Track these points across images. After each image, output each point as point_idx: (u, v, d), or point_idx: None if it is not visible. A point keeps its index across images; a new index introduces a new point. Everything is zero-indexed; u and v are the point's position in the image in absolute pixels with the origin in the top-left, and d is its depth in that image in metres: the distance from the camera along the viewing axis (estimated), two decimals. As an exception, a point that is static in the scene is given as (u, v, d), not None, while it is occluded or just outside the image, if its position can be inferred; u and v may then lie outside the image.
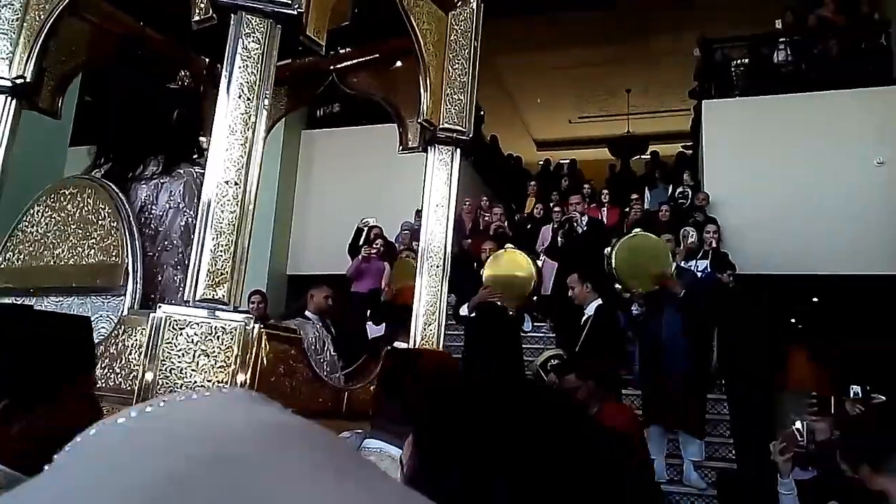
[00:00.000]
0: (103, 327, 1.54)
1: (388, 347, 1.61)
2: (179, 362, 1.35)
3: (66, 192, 1.72)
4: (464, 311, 5.72)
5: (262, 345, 1.45)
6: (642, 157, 12.87)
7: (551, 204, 9.63)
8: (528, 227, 9.10)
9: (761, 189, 8.67)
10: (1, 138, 1.87)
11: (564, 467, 0.56)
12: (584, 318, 5.64)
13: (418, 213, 9.07)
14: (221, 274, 1.38)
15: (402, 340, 3.86)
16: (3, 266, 1.73)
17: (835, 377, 7.68)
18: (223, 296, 1.38)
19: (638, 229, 7.23)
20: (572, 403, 0.65)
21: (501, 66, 11.39)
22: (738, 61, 9.92)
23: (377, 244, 7.57)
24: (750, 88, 9.59)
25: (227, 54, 1.48)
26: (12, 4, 1.86)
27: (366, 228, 7.76)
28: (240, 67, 1.45)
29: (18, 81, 1.85)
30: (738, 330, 6.64)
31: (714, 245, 7.16)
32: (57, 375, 1.10)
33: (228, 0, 1.48)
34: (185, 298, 1.40)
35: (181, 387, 1.35)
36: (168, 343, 1.35)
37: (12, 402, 1.02)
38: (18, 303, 1.34)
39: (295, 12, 1.51)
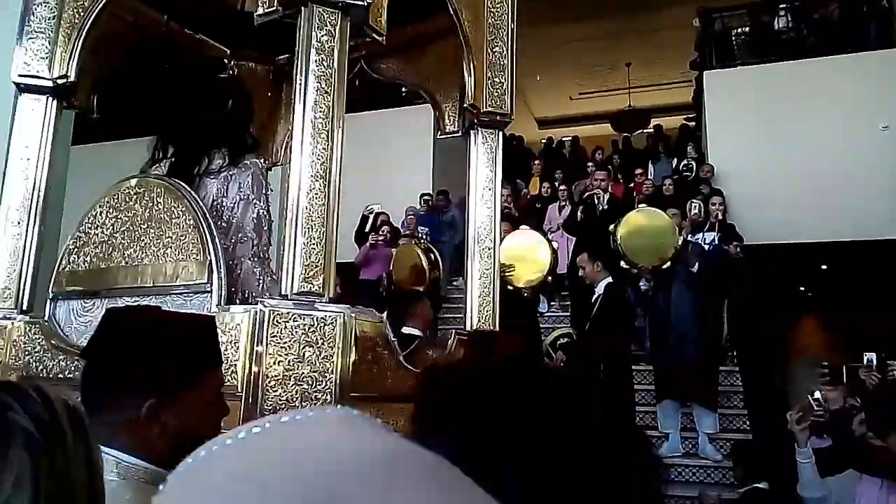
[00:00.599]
0: None
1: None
2: (287, 355, 1.38)
3: (132, 192, 1.71)
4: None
5: (357, 334, 1.48)
6: (644, 131, 12.80)
7: (556, 182, 9.59)
8: (538, 206, 9.05)
9: (766, 158, 8.63)
10: (45, 138, 1.88)
11: (569, 458, 0.56)
12: (594, 296, 5.64)
13: (422, 197, 9.13)
14: (315, 266, 1.42)
15: (411, 326, 3.90)
16: (68, 269, 1.75)
17: (846, 345, 7.71)
18: (318, 288, 1.42)
19: (643, 205, 7.22)
20: (579, 390, 0.65)
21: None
22: (739, 30, 9.83)
23: (383, 231, 7.59)
24: (751, 57, 9.53)
25: (299, 49, 1.49)
26: (48, 3, 1.86)
27: (371, 215, 7.77)
28: (315, 62, 1.46)
29: (61, 81, 1.86)
30: (747, 301, 6.66)
31: (720, 217, 7.13)
32: (192, 373, 1.13)
33: None
34: (281, 292, 1.43)
35: (290, 378, 1.38)
36: (273, 337, 1.38)
37: (157, 400, 1.05)
38: (144, 304, 1.34)
39: (364, 3, 1.53)
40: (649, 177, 9.30)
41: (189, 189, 1.70)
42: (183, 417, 1.08)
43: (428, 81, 2.42)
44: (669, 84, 13.15)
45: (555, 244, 6.76)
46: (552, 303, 8.13)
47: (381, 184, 8.77)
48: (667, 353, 6.05)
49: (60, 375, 1.67)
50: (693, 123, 10.99)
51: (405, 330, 3.77)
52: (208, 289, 1.54)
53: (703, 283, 6.10)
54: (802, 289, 10.15)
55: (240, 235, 1.74)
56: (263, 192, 1.85)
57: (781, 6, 9.56)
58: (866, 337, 7.40)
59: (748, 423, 6.22)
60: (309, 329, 1.40)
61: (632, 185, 9.50)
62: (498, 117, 2.16)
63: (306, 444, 0.31)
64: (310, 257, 1.43)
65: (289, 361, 1.38)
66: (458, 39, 2.07)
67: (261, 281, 1.77)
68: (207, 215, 1.63)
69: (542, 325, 6.80)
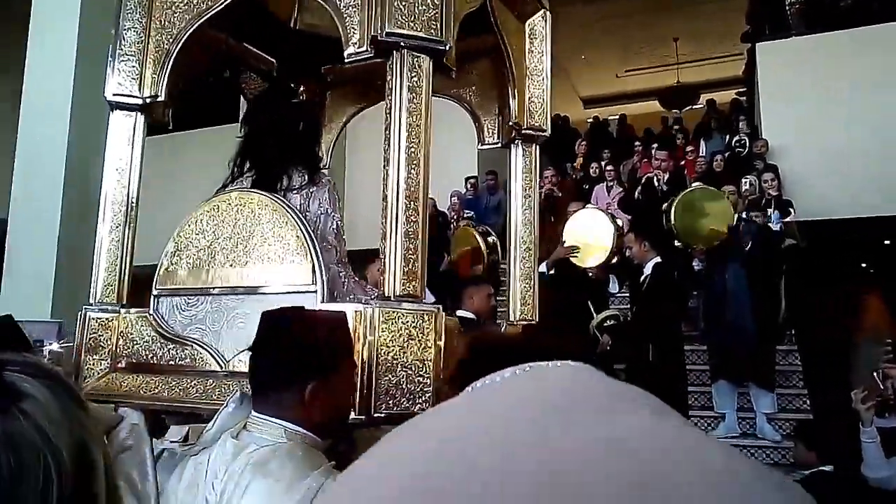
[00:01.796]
0: None
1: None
2: (394, 345, 1.65)
3: (233, 203, 1.92)
4: (542, 268, 5.71)
5: (445, 326, 1.75)
6: (694, 107, 12.51)
7: (603, 163, 9.46)
8: (585, 186, 8.95)
9: (823, 131, 8.36)
10: (134, 150, 2.11)
11: None
12: (642, 276, 5.58)
13: (468, 180, 9.14)
14: (413, 273, 1.67)
15: (465, 309, 3.95)
16: (170, 269, 1.97)
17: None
18: (416, 290, 1.68)
19: (697, 183, 7.09)
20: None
21: (543, 25, 11.13)
22: (793, -1, 9.46)
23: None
24: (807, 27, 9.17)
25: (392, 86, 1.71)
26: (135, 28, 2.07)
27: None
28: (408, 99, 1.69)
29: (150, 100, 2.08)
30: (806, 278, 6.50)
31: (775, 193, 6.94)
32: (338, 359, 1.41)
33: (392, 40, 1.69)
34: (385, 293, 1.68)
35: (397, 364, 1.65)
36: (383, 330, 1.64)
37: (316, 383, 1.31)
38: (291, 305, 1.58)
39: (446, 48, 1.74)
40: (702, 154, 9.08)
41: (283, 201, 1.92)
42: (333, 396, 1.35)
43: (468, 97, 2.63)
44: (720, 58, 12.81)
45: (619, 221, 6.67)
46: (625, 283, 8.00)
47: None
48: (722, 332, 5.97)
49: (168, 363, 1.91)
50: (745, 98, 10.67)
51: (459, 313, 3.80)
52: (313, 289, 1.76)
53: (758, 262, 5.98)
54: (864, 265, 9.82)
55: (324, 244, 1.94)
56: (339, 205, 2.12)
57: (839, -29, 9.18)
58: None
59: (808, 402, 6.08)
60: (411, 324, 1.66)
61: (683, 162, 9.30)
62: (537, 133, 2.42)
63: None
64: (408, 265, 1.67)
65: (396, 350, 1.64)
66: (496, 58, 2.30)
67: (345, 283, 2.00)
68: (308, 225, 1.86)
69: (612, 307, 6.69)
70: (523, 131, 2.38)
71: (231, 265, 1.88)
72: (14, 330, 1.76)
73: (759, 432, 5.83)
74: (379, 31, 1.69)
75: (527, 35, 2.38)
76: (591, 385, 0.48)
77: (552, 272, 5.55)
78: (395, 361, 1.64)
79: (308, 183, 2.07)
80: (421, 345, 1.66)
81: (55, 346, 5.41)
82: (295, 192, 2.05)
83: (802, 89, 8.69)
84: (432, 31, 1.71)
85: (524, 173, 2.44)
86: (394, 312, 1.65)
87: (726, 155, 8.61)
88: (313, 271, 1.77)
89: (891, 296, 9.26)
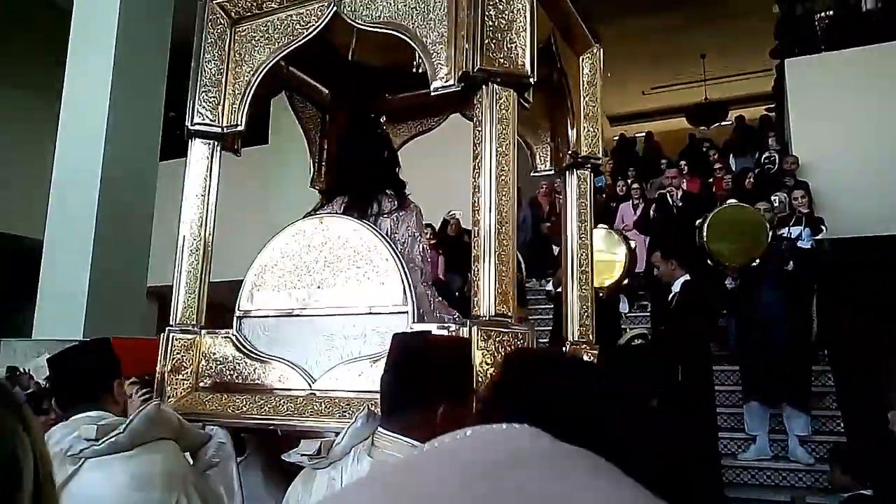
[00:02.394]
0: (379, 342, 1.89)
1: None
2: (492, 361, 1.70)
3: (320, 227, 2.03)
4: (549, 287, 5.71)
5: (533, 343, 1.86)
6: (722, 124, 12.41)
7: (629, 181, 9.42)
8: (613, 204, 8.92)
9: (855, 147, 8.28)
10: (211, 177, 2.23)
11: (630, 458, 0.59)
12: (671, 294, 5.52)
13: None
14: (505, 294, 1.74)
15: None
16: (252, 291, 2.08)
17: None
18: (508, 311, 1.75)
19: (732, 200, 7.00)
20: (642, 391, 0.70)
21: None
22: (823, 13, 9.38)
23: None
24: (837, 41, 9.07)
25: (482, 117, 1.81)
26: (215, 62, 2.20)
27: (452, 220, 7.98)
28: (497, 129, 1.79)
29: (229, 130, 2.21)
30: (839, 297, 6.37)
31: (806, 211, 6.83)
32: (468, 383, 1.51)
33: (483, 76, 1.80)
34: (480, 313, 1.75)
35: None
36: (481, 347, 1.70)
37: (450, 405, 1.37)
38: (420, 329, 1.74)
39: (532, 82, 1.86)
40: (732, 170, 9.00)
41: (374, 226, 2.04)
42: (462, 418, 1.37)
43: (522, 125, 2.78)
44: (748, 74, 12.71)
45: (632, 243, 6.63)
46: (635, 304, 7.96)
47: (451, 185, 8.84)
48: (754, 352, 5.85)
49: (253, 382, 2.00)
50: (773, 114, 10.55)
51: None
52: (405, 310, 1.85)
53: (791, 280, 5.88)
54: (900, 283, 9.59)
55: (411, 266, 2.02)
56: (424, 230, 2.24)
57: (868, -14, 9.09)
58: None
59: (842, 424, 5.93)
60: (506, 342, 1.72)
61: (711, 179, 9.22)
62: (591, 160, 2.55)
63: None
64: (501, 286, 1.74)
65: (494, 366, 1.69)
66: (550, 89, 2.43)
67: (431, 302, 2.10)
68: (397, 249, 1.97)
69: (623, 327, 6.65)
70: (579, 160, 2.51)
71: (319, 287, 1.96)
72: (107, 350, 1.94)
73: (791, 455, 5.71)
74: (470, 68, 1.80)
75: (581, 69, 2.52)
76: (534, 446, 0.49)
77: (560, 290, 5.52)
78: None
79: (397, 208, 2.20)
80: None
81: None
82: (385, 216, 2.18)
83: (833, 105, 8.61)
84: (520, 66, 1.81)
85: (579, 199, 2.56)
86: (490, 332, 1.71)
87: (756, 171, 8.51)
88: (404, 292, 1.86)
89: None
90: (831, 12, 9.41)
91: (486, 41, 1.78)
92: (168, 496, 1.60)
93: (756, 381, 5.86)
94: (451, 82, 1.86)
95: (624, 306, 7.48)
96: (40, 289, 6.77)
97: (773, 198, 7.04)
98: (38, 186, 7.44)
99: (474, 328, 1.69)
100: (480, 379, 1.65)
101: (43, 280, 6.77)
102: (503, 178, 1.77)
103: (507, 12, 1.81)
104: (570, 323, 2.47)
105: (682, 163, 9.82)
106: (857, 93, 8.49)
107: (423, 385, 1.39)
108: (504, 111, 1.80)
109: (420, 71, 2.53)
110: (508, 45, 1.80)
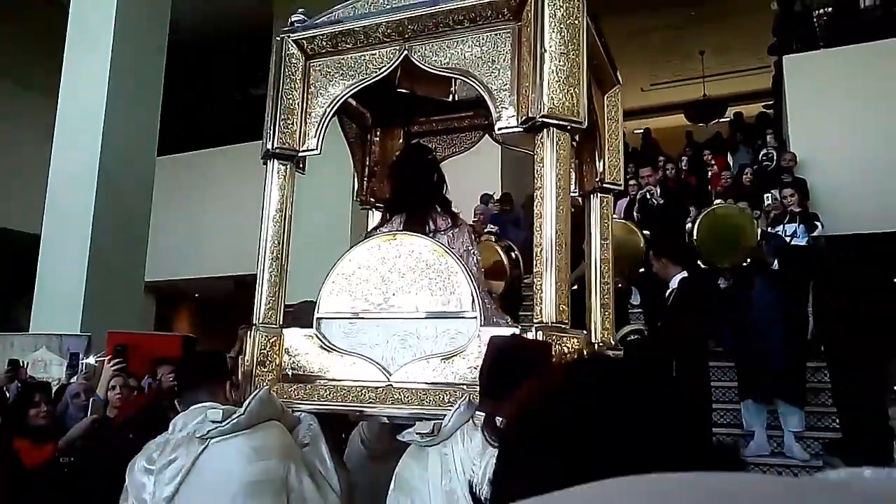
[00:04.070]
0: (462, 343, 2.18)
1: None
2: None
3: (392, 242, 2.33)
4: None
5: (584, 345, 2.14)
6: (721, 120, 12.43)
7: (627, 177, 9.43)
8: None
9: (852, 144, 8.37)
10: (287, 194, 2.50)
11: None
12: (668, 291, 5.53)
13: (483, 196, 9.21)
14: (562, 302, 2.04)
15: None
16: (332, 296, 2.36)
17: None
18: (565, 317, 2.05)
19: (719, 201, 7.05)
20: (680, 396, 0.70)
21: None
22: (821, 10, 9.43)
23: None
24: (835, 39, 9.12)
25: (543, 157, 2.09)
26: (292, 95, 2.49)
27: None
28: (556, 168, 2.08)
29: (306, 154, 2.51)
30: (835, 293, 6.40)
31: (798, 209, 6.86)
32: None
33: (544, 121, 2.07)
34: (542, 319, 2.03)
35: None
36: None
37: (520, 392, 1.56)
38: (514, 332, 1.99)
39: (583, 125, 2.13)
40: (731, 169, 9.03)
41: (435, 240, 2.35)
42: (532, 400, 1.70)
43: None
44: (746, 71, 12.77)
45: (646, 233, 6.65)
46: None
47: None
48: (750, 349, 5.88)
49: (334, 373, 2.29)
50: (772, 111, 10.57)
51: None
52: (474, 315, 2.15)
53: (785, 277, 5.90)
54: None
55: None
56: (477, 244, 2.58)
57: (867, -17, 9.11)
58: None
59: (837, 421, 5.96)
60: (565, 345, 2.00)
61: (709, 176, 9.24)
62: (614, 187, 2.88)
63: None
64: (559, 296, 2.03)
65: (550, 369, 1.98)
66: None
67: (489, 308, 2.38)
68: (462, 261, 2.28)
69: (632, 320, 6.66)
70: (604, 185, 2.85)
71: (394, 294, 2.26)
72: (222, 358, 2.37)
73: (787, 451, 5.75)
74: (536, 114, 2.08)
75: (605, 106, 2.86)
76: None
77: (576, 287, 5.53)
78: None
79: (451, 226, 2.54)
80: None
81: (91, 360, 5.52)
82: (441, 233, 2.49)
83: (831, 102, 8.68)
84: (576, 113, 2.11)
85: (603, 220, 2.87)
86: (552, 335, 1.99)
87: (754, 168, 8.54)
88: (472, 299, 2.17)
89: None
90: (829, 9, 9.46)
91: (548, 92, 2.07)
92: (283, 464, 1.92)
93: (751, 379, 5.90)
94: (515, 125, 2.17)
95: (636, 298, 7.47)
96: (38, 283, 6.82)
97: (765, 196, 7.08)
98: (36, 181, 7.43)
99: (539, 332, 1.99)
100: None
101: (40, 274, 6.82)
102: (561, 208, 2.07)
103: (564, 67, 2.10)
104: (595, 328, 2.80)
105: (684, 159, 9.85)
106: (854, 90, 8.59)
107: (513, 376, 1.65)
108: (561, 151, 2.09)
109: (455, 99, 3.04)
110: (565, 96, 2.08)
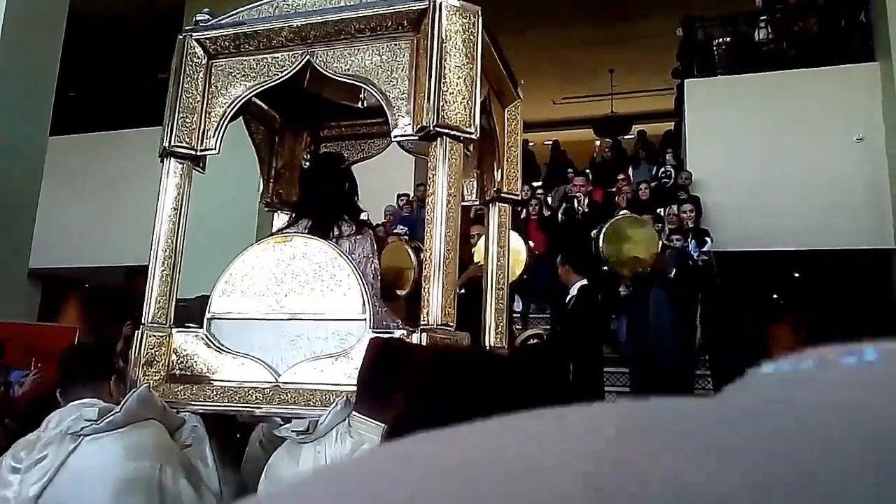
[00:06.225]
0: (351, 345, 2.21)
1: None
2: None
3: (287, 244, 2.34)
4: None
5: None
6: (626, 137, 12.96)
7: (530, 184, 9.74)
8: (517, 209, 9.14)
9: (743, 167, 8.93)
10: (183, 194, 2.46)
11: None
12: (568, 297, 5.75)
13: (400, 197, 9.24)
14: (448, 306, 2.12)
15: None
16: (224, 296, 2.36)
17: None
18: (451, 320, 2.13)
19: (624, 211, 7.37)
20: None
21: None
22: (720, 40, 10.05)
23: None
24: (732, 67, 9.72)
25: (436, 165, 2.17)
26: (193, 93, 2.46)
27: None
28: (448, 176, 2.15)
29: (204, 153, 2.48)
30: (721, 306, 6.81)
31: (692, 225, 7.29)
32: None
33: (438, 130, 2.14)
34: (428, 323, 2.10)
35: None
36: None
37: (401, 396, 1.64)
38: (398, 335, 2.10)
39: (475, 136, 2.23)
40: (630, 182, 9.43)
41: (338, 247, 2.39)
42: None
43: None
44: (652, 91, 13.36)
45: (531, 243, 6.85)
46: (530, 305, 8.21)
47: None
48: (644, 355, 6.18)
49: (222, 374, 2.28)
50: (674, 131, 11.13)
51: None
52: (364, 318, 2.20)
53: (678, 288, 6.25)
54: (775, 296, 10.33)
55: (365, 282, 2.37)
56: (377, 252, 2.64)
57: (762, 18, 9.77)
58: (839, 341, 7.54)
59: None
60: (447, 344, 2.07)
61: (614, 189, 9.62)
62: (511, 197, 2.98)
63: None
64: (445, 300, 2.09)
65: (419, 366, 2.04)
66: (480, 135, 2.73)
67: (379, 313, 2.42)
68: (359, 266, 2.33)
69: (517, 326, 6.85)
70: (502, 195, 2.94)
71: (286, 295, 2.27)
72: (108, 353, 2.40)
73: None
74: (429, 123, 2.14)
75: (505, 119, 2.96)
76: None
77: (462, 291, 5.65)
78: None
79: (355, 232, 2.60)
80: None
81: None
82: (344, 238, 2.55)
83: (724, 126, 9.22)
84: (468, 124, 2.19)
85: (500, 228, 2.98)
86: (437, 337, 2.06)
87: (653, 185, 8.95)
88: (363, 304, 2.21)
89: (799, 326, 9.76)
90: (728, 39, 10.01)
91: (443, 102, 2.14)
92: (157, 465, 1.88)
93: (644, 383, 6.20)
94: (410, 133, 2.24)
95: (518, 305, 7.71)
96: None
97: (658, 210, 7.46)
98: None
99: (423, 334, 2.06)
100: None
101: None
102: (451, 214, 2.13)
103: (459, 79, 2.18)
104: (489, 332, 2.87)
105: (588, 171, 10.20)
106: (746, 116, 9.15)
107: (391, 378, 1.68)
108: (453, 159, 2.16)
109: (364, 105, 3.07)
110: (459, 107, 2.17)
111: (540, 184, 10.57)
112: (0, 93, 6.32)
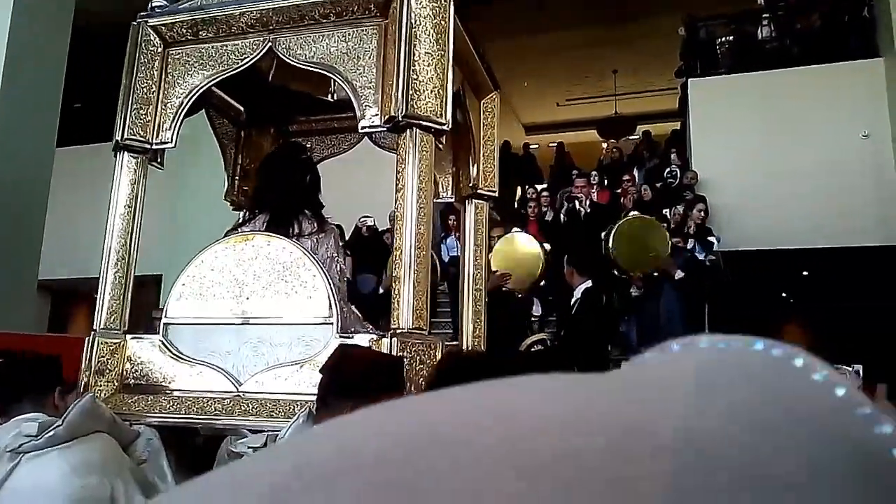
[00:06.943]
0: (317, 350, 2.07)
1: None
2: (412, 364, 1.95)
3: (249, 243, 2.19)
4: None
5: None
6: (630, 138, 12.83)
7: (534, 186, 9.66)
8: (522, 211, 9.09)
9: (748, 165, 8.80)
10: (138, 189, 2.34)
11: None
12: (573, 300, 5.63)
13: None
14: (421, 310, 2.00)
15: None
16: (181, 300, 2.22)
17: (827, 352, 7.67)
18: (423, 323, 2.01)
19: (635, 212, 7.25)
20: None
21: (487, 51, 11.31)
22: (723, 39, 9.97)
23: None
24: (735, 65, 9.60)
25: (405, 157, 2.04)
26: (147, 84, 2.33)
27: (363, 226, 7.87)
28: (418, 168, 2.03)
29: (159, 146, 2.35)
30: (729, 306, 6.68)
31: (699, 223, 7.15)
32: (400, 382, 1.78)
33: (407, 121, 2.02)
34: (400, 325, 1.98)
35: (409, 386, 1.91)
36: (400, 353, 1.94)
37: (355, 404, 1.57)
38: (362, 344, 1.94)
39: (447, 128, 2.10)
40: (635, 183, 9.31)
41: (296, 244, 2.22)
42: None
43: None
44: (655, 91, 13.23)
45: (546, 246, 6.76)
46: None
47: (365, 193, 8.75)
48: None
49: (179, 383, 2.14)
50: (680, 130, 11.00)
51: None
52: (331, 321, 2.07)
53: (688, 288, 6.15)
54: (784, 294, 10.15)
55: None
56: (342, 251, 2.47)
57: (764, 16, 9.67)
58: (846, 340, 7.44)
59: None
60: (421, 349, 1.96)
61: (619, 190, 9.49)
62: (488, 193, 2.86)
63: None
64: (418, 303, 1.98)
65: (410, 374, 1.91)
66: (455, 129, 2.63)
67: (347, 317, 2.28)
68: (323, 267, 2.16)
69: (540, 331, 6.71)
70: (478, 191, 2.82)
71: (248, 298, 2.13)
72: (53, 363, 2.10)
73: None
74: (398, 114, 2.01)
75: (481, 112, 2.83)
76: None
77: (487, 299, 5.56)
78: (414, 378, 1.93)
79: (317, 230, 2.41)
80: (428, 368, 1.95)
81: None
82: (306, 237, 2.37)
83: (730, 125, 9.09)
84: (439, 115, 2.06)
85: (476, 224, 2.85)
86: (407, 342, 1.95)
87: (658, 185, 8.82)
88: (329, 306, 2.07)
89: (808, 324, 9.60)
90: (731, 38, 9.89)
91: (412, 92, 2.01)
92: (106, 481, 1.73)
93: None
94: (378, 124, 2.10)
95: (538, 309, 7.55)
96: None
97: (664, 211, 7.33)
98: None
99: (394, 339, 1.93)
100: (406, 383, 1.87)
101: None
102: (422, 209, 2.01)
103: (429, 67, 2.05)
104: (466, 335, 2.75)
105: (594, 173, 10.07)
106: (752, 113, 9.02)
107: (356, 387, 1.56)
108: (424, 152, 2.03)
109: (335, 98, 2.88)
110: (430, 97, 2.04)
111: (545, 186, 10.47)
112: (7, 105, 6.34)
